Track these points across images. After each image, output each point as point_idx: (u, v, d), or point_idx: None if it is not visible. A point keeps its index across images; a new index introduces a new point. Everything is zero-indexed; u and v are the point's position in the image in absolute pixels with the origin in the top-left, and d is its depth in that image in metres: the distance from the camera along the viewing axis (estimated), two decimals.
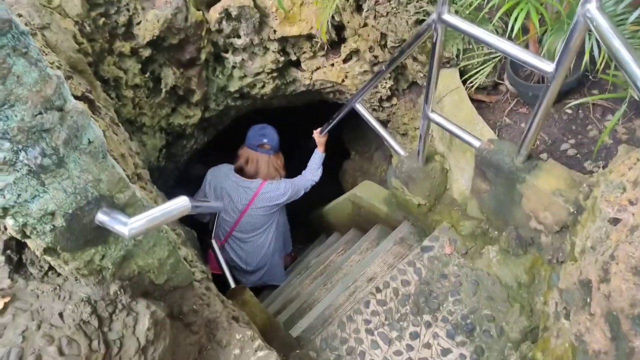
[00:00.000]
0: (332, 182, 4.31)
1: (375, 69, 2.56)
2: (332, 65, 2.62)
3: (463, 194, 2.29)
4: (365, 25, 2.44)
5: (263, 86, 2.75)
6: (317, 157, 3.04)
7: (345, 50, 2.53)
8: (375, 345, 1.91)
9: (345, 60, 2.60)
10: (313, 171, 3.06)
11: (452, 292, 2.01)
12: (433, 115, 1.98)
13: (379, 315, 2.01)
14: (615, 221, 1.46)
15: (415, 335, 1.91)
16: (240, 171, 2.91)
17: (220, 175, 2.95)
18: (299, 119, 4.65)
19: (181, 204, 1.08)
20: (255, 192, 2.86)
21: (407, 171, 2.33)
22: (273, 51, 2.54)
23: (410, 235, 2.53)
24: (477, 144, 1.90)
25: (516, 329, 1.84)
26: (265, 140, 2.87)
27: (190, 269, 1.49)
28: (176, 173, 2.91)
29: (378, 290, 2.10)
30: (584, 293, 1.48)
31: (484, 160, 1.88)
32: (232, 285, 2.56)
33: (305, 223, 4.34)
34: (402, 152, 2.42)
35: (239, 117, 3.32)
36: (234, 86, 2.69)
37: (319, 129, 3.02)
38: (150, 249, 1.21)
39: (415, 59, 2.37)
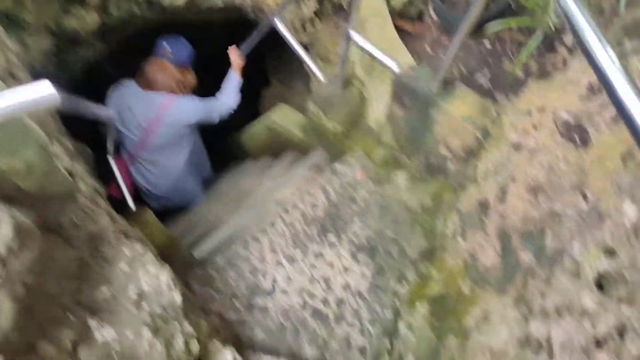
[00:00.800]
0: (252, 109, 4.14)
1: None
2: None
3: (378, 121, 2.27)
4: None
5: None
6: (235, 81, 2.80)
7: None
8: (278, 264, 1.89)
9: None
10: (229, 95, 2.81)
11: (359, 215, 2.02)
12: (354, 35, 1.88)
13: (285, 236, 1.98)
14: (518, 147, 1.50)
15: (319, 255, 1.90)
16: (140, 81, 2.63)
17: (121, 88, 2.65)
18: (217, 37, 4.36)
19: (43, 91, 0.90)
20: (159, 108, 2.61)
21: (325, 96, 2.25)
22: None
23: (324, 162, 2.49)
24: (396, 69, 1.85)
25: (416, 249, 1.90)
26: (168, 48, 2.58)
27: (71, 180, 1.31)
28: (72, 85, 2.56)
29: (286, 211, 2.06)
30: (481, 213, 1.54)
31: (402, 85, 1.85)
32: (132, 207, 2.39)
33: (223, 149, 4.17)
34: (321, 77, 2.32)
35: (150, 31, 2.99)
36: None
37: (235, 46, 2.80)
38: (15, 149, 1.02)
39: None
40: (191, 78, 2.80)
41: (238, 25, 3.40)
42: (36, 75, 2.15)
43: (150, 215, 2.31)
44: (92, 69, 2.88)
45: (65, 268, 1.22)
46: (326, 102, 2.26)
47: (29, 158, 1.03)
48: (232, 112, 2.83)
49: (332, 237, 1.96)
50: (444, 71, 1.72)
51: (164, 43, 2.60)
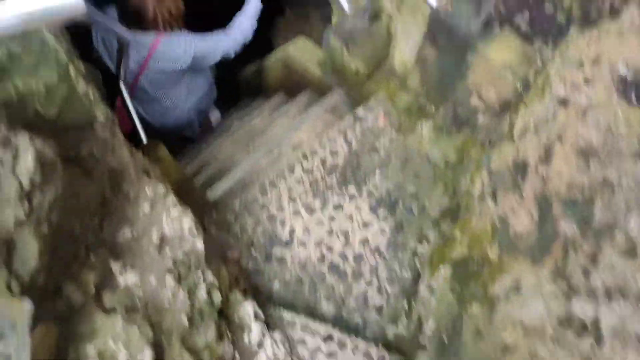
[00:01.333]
0: (263, 42, 3.92)
1: None
2: None
3: (404, 64, 2.10)
4: None
5: None
6: (253, 5, 2.57)
7: None
8: (297, 214, 1.81)
9: None
10: (243, 26, 2.55)
11: (380, 166, 1.92)
12: None
13: (304, 184, 1.89)
14: (565, 103, 1.36)
15: (338, 207, 1.83)
16: (123, 16, 2.32)
17: (109, 19, 2.37)
18: None
19: None
20: (148, 51, 2.40)
21: (349, 30, 2.07)
22: None
23: (343, 105, 2.35)
24: (434, 2, 1.66)
25: (437, 207, 1.82)
26: None
27: (90, 107, 1.20)
28: None
29: (305, 157, 1.96)
30: (516, 175, 1.43)
31: (439, 22, 1.67)
32: (144, 139, 2.29)
33: (232, 83, 4.00)
34: (347, 7, 2.12)
35: None
36: None
37: None
38: (33, 68, 0.91)
39: None
40: (177, 3, 2.41)
41: None
42: None
43: (163, 151, 2.21)
44: None
45: (87, 204, 1.15)
46: (349, 38, 2.08)
47: (49, 80, 0.92)
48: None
49: (352, 189, 1.87)
50: (488, 8, 1.54)
51: None
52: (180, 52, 2.40)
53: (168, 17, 2.31)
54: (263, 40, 3.75)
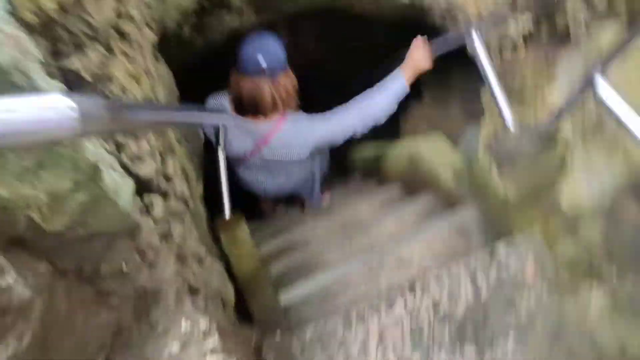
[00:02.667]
0: (390, 125, 3.59)
1: None
2: None
3: (578, 203, 1.59)
4: None
5: None
6: (399, 86, 2.03)
7: None
8: None
9: None
10: (379, 104, 2.03)
11: (517, 330, 1.39)
12: (600, 81, 1.23)
13: (403, 327, 1.42)
14: None
15: None
16: (237, 107, 2.03)
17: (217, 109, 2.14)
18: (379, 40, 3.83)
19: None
20: (261, 139, 2.11)
21: (510, 149, 1.63)
22: None
23: (476, 229, 1.87)
24: None
25: None
26: (260, 58, 1.88)
27: (127, 212, 0.86)
28: (205, 51, 2.22)
29: (412, 289, 1.49)
30: None
31: None
32: (227, 214, 1.98)
33: (343, 160, 3.70)
34: (511, 123, 1.69)
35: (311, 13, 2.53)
36: None
37: (424, 38, 2.03)
38: (29, 172, 0.59)
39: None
40: (292, 82, 2.03)
41: (405, 32, 2.84)
42: (166, 38, 1.81)
43: (243, 230, 1.89)
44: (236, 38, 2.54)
45: (93, 336, 0.79)
46: (508, 157, 1.64)
47: (58, 185, 0.59)
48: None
49: (470, 351, 1.36)
50: None
51: (258, 57, 1.87)
52: (300, 141, 2.10)
53: (286, 96, 2.01)
54: (390, 121, 3.45)
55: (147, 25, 1.60)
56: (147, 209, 1.08)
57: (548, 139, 1.58)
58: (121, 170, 0.90)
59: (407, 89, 2.05)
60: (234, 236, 1.88)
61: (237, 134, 2.14)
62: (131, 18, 1.26)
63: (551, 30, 1.87)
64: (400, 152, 2.46)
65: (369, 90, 2.10)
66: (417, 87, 3.60)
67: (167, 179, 1.36)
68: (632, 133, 1.19)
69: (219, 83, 2.06)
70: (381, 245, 1.89)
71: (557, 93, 1.80)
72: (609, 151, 1.45)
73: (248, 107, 1.98)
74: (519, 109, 1.98)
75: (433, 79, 3.48)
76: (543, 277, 1.48)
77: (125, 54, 1.23)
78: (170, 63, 2.02)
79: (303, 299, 1.72)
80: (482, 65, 1.76)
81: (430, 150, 2.19)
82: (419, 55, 2.02)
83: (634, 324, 1.32)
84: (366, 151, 3.15)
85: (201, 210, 1.84)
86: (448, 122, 3.13)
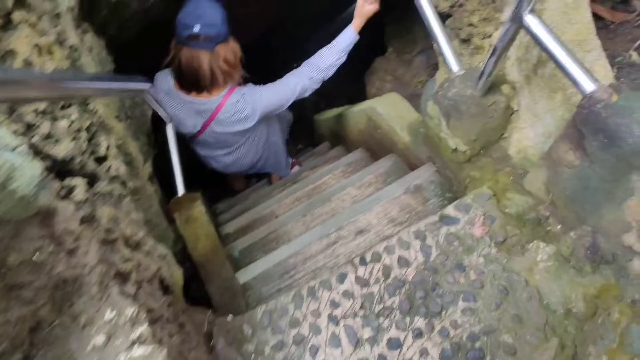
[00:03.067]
0: (355, 81, 3.49)
1: None
2: None
3: (525, 151, 1.53)
4: None
5: None
6: (347, 37, 2.07)
7: None
8: (335, 342, 1.31)
9: None
10: (325, 64, 2.09)
11: (465, 293, 1.36)
12: (529, 19, 1.14)
13: (354, 299, 1.39)
14: None
15: (395, 344, 1.29)
16: (180, 82, 1.94)
17: (163, 88, 2.04)
18: None
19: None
20: (209, 115, 2.03)
21: (454, 97, 1.54)
22: None
23: (431, 186, 1.81)
24: (588, 87, 1.09)
25: None
26: (197, 27, 1.73)
27: (30, 197, 0.80)
28: (141, 18, 2.06)
29: (362, 262, 1.45)
30: None
31: (592, 117, 1.09)
32: (180, 191, 1.93)
33: (309, 122, 3.61)
34: (455, 67, 1.60)
35: None
36: None
37: None
38: None
39: None
40: (235, 51, 1.94)
41: None
42: None
43: (199, 210, 1.83)
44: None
45: (3, 334, 0.75)
46: (454, 106, 1.55)
47: None
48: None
49: (419, 321, 1.33)
50: None
51: (195, 25, 1.75)
52: (247, 113, 2.03)
53: (227, 68, 1.90)
54: (353, 77, 3.33)
55: None
56: (67, 193, 1.02)
57: (492, 83, 1.49)
58: (27, 151, 0.84)
59: (356, 36, 2.12)
60: (188, 216, 1.83)
61: (186, 112, 2.07)
62: None
63: None
64: (358, 110, 2.37)
65: (320, 52, 2.08)
66: (381, 40, 3.47)
67: (98, 159, 1.29)
68: (565, 69, 1.11)
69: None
70: (339, 217, 1.84)
71: (489, 30, 1.71)
72: (550, 93, 1.36)
73: (188, 79, 1.89)
74: (464, 49, 1.89)
75: (396, 31, 3.36)
76: (492, 235, 1.43)
77: (32, 25, 1.13)
78: (104, 32, 1.90)
79: (263, 276, 1.68)
80: (421, 10, 1.65)
81: (385, 107, 2.10)
82: (365, 8, 2.06)
83: (577, 278, 1.28)
84: (330, 112, 3.06)
85: (150, 190, 1.78)
86: (410, 74, 3.02)
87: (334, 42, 2.09)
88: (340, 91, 3.75)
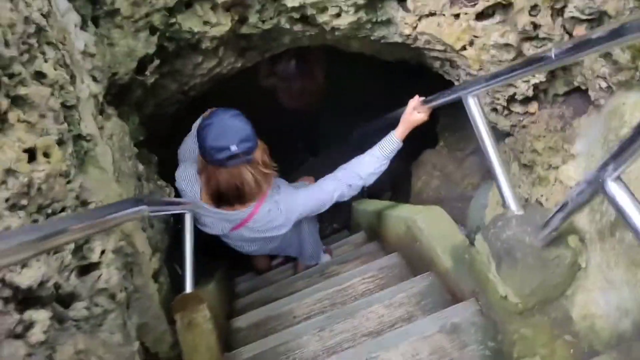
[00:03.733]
0: (400, 168, 3.30)
1: (527, 47, 1.46)
2: (456, 17, 1.54)
3: (592, 320, 1.26)
4: None
5: (338, 15, 1.73)
6: (389, 144, 1.94)
7: None
8: None
9: (481, 16, 1.51)
10: (365, 172, 1.96)
11: None
12: (614, 187, 0.92)
13: None
14: None
15: None
16: (215, 199, 1.83)
17: (187, 193, 1.92)
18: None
19: None
20: (238, 222, 1.94)
21: (509, 241, 1.32)
22: None
23: (471, 328, 1.55)
24: None
25: None
26: (234, 147, 1.62)
27: None
28: (180, 99, 2.04)
29: None
30: None
31: None
32: (189, 288, 1.76)
33: (348, 204, 3.42)
34: (512, 204, 1.39)
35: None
36: (293, 0, 1.69)
37: (418, 98, 1.92)
38: None
39: (608, 56, 1.25)
40: (265, 152, 1.83)
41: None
42: (122, 87, 1.61)
43: (204, 315, 1.65)
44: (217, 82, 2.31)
45: None
46: (508, 251, 1.33)
47: None
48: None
49: None
50: None
51: (231, 148, 1.63)
52: (280, 222, 1.91)
53: (266, 170, 1.77)
54: (399, 164, 3.16)
55: (91, 76, 1.42)
56: (23, 330, 0.86)
57: (560, 234, 1.26)
58: None
59: (399, 144, 1.98)
60: (190, 320, 1.65)
61: (212, 220, 1.94)
62: (42, 75, 1.07)
63: (568, 86, 1.55)
64: (396, 217, 2.17)
65: (361, 155, 1.95)
66: (433, 130, 3.31)
67: (84, 269, 1.15)
68: None
69: None
70: (360, 347, 1.61)
71: (573, 169, 1.49)
72: (628, 264, 1.12)
73: (231, 198, 1.78)
74: (524, 177, 1.67)
75: (450, 124, 3.19)
76: None
77: (30, 125, 1.03)
78: (139, 109, 1.84)
79: None
80: (477, 128, 1.47)
81: (428, 222, 1.89)
82: (412, 111, 1.91)
83: None
84: (367, 203, 2.88)
85: (152, 288, 1.62)
86: (460, 174, 2.82)
87: (375, 149, 1.95)
88: (384, 176, 3.59)
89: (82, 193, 1.20)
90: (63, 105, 1.21)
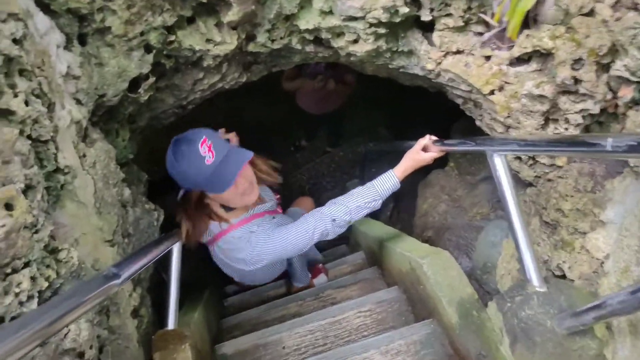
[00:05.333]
0: (406, 185, 3.16)
1: (564, 101, 1.30)
2: (487, 59, 1.38)
3: None
4: (590, 14, 1.17)
5: (356, 41, 1.56)
6: (386, 183, 1.78)
7: (525, 43, 1.26)
8: None
9: (515, 62, 1.35)
10: (354, 204, 1.77)
11: None
12: None
13: None
14: None
15: None
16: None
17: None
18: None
19: None
20: (213, 236, 1.81)
21: (528, 321, 1.19)
22: None
23: None
24: None
25: None
26: (205, 182, 1.54)
27: None
28: (178, 112, 1.86)
29: None
30: None
31: None
32: (171, 324, 1.63)
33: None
34: (534, 278, 1.25)
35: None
36: (307, 22, 1.52)
37: (430, 137, 1.78)
38: None
39: None
40: (264, 163, 1.81)
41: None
42: (110, 108, 1.47)
43: (184, 358, 1.52)
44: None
45: None
46: (523, 330, 1.19)
47: None
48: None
49: None
50: None
51: (190, 174, 1.53)
52: (245, 256, 1.74)
53: (250, 187, 1.64)
54: (405, 181, 3.03)
55: (75, 99, 1.27)
56: None
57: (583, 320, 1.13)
58: None
59: (397, 185, 1.81)
60: None
61: None
62: (10, 113, 0.92)
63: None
64: (400, 253, 2.03)
65: (351, 191, 1.79)
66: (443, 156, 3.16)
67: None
68: None
69: None
70: None
71: (602, 240, 1.35)
72: None
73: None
74: (544, 236, 1.53)
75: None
76: None
77: None
78: (133, 122, 1.69)
79: None
80: (502, 195, 1.32)
81: (434, 270, 1.75)
82: (419, 155, 1.76)
83: None
84: (369, 224, 2.74)
85: (130, 327, 1.50)
86: (472, 203, 2.67)
87: (370, 185, 1.78)
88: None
89: (51, 242, 1.06)
90: (36, 140, 1.06)
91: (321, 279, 2.67)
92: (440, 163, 3.09)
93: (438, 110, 3.04)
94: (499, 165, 1.26)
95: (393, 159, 1.98)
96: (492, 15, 1.35)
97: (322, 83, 3.31)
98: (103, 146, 1.34)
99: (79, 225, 1.22)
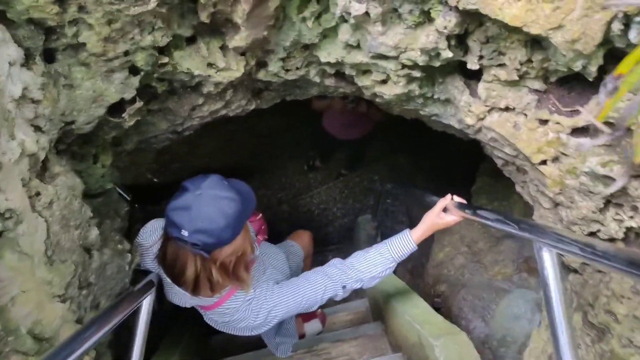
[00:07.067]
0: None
1: (636, 186, 1.04)
2: (543, 122, 1.11)
3: None
4: None
5: (384, 82, 1.31)
6: (402, 246, 1.57)
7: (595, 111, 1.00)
8: None
9: (578, 130, 1.08)
10: (368, 274, 1.57)
11: None
12: None
13: None
14: None
15: None
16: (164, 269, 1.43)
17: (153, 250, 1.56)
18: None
19: None
20: (203, 306, 1.57)
21: None
22: (439, 30, 1.06)
23: None
24: None
25: None
26: (184, 232, 1.22)
27: None
28: (172, 138, 1.62)
29: None
30: None
31: None
32: None
33: None
34: None
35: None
36: (329, 54, 1.27)
37: (452, 197, 1.57)
38: None
39: None
40: (233, 254, 1.38)
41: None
42: (85, 135, 1.23)
43: None
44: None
45: None
46: None
47: None
48: None
49: None
50: None
51: (182, 226, 1.24)
52: (248, 324, 1.51)
53: (220, 277, 1.34)
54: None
55: (34, 126, 1.04)
56: None
57: None
58: None
59: (414, 247, 1.59)
60: None
61: (176, 291, 1.55)
62: None
63: None
64: (412, 325, 1.77)
65: (365, 250, 1.56)
66: (467, 190, 2.90)
67: None
68: None
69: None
70: None
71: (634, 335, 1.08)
72: None
73: (169, 275, 1.39)
74: (592, 354, 1.26)
75: (490, 188, 2.77)
76: None
77: None
78: (118, 145, 1.48)
79: None
80: (547, 297, 1.06)
81: (448, 355, 1.49)
82: (440, 219, 1.56)
83: None
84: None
85: None
86: (494, 260, 2.40)
87: (385, 249, 1.57)
88: (398, 226, 3.20)
89: None
90: None
91: (314, 325, 2.39)
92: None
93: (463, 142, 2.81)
94: (548, 262, 1.00)
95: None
96: (586, 101, 1.06)
97: (354, 104, 3.10)
98: (66, 181, 1.11)
99: (19, 280, 0.99)
